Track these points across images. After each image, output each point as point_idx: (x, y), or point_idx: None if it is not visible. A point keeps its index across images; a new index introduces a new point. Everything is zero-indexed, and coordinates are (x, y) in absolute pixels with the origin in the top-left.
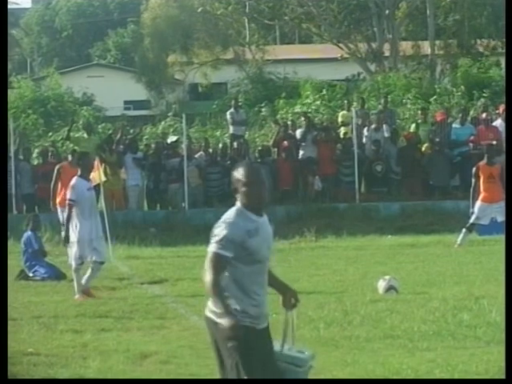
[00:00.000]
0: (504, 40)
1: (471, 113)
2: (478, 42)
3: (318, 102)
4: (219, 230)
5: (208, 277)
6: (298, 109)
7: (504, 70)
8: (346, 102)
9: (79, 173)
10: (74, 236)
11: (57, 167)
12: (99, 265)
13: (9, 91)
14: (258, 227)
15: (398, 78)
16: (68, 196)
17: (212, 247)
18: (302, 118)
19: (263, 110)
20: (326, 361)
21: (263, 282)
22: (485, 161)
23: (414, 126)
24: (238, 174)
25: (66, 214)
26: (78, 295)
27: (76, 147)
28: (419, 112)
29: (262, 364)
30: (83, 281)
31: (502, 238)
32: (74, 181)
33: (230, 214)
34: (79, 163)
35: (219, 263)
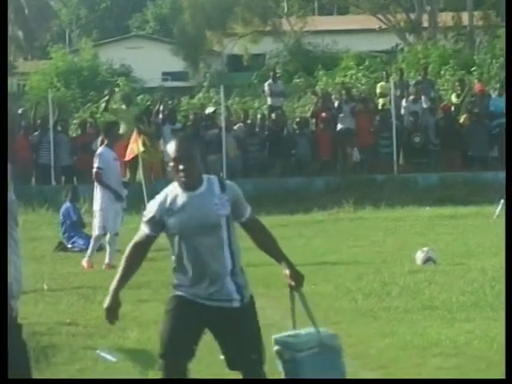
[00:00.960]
0: None
1: None
2: None
3: (357, 73)
4: (148, 206)
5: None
6: (336, 80)
7: None
8: (384, 73)
9: (106, 142)
10: (97, 205)
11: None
12: (114, 237)
13: (44, 62)
14: (186, 204)
15: (436, 48)
16: (96, 164)
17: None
18: (341, 89)
19: (301, 81)
20: (365, 332)
21: (196, 258)
22: None
23: (454, 96)
24: (168, 149)
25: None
26: (86, 261)
27: (114, 118)
28: (458, 83)
29: (190, 338)
30: (109, 257)
31: None
32: (100, 149)
33: (163, 189)
34: (106, 133)
35: (137, 237)
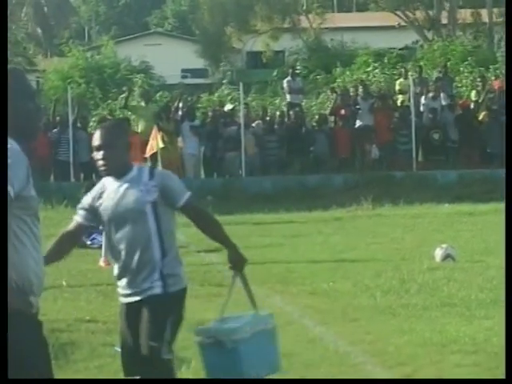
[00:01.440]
0: None
1: None
2: None
3: (376, 70)
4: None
5: None
6: (355, 77)
7: None
8: (403, 69)
9: None
10: None
11: None
12: None
13: (63, 59)
14: (112, 191)
15: (455, 45)
16: None
17: None
18: (360, 86)
19: (320, 78)
20: (384, 329)
21: (122, 248)
22: None
23: (474, 93)
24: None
25: None
26: (103, 260)
27: (134, 115)
28: (478, 80)
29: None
30: None
31: None
32: None
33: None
34: None
35: (70, 225)
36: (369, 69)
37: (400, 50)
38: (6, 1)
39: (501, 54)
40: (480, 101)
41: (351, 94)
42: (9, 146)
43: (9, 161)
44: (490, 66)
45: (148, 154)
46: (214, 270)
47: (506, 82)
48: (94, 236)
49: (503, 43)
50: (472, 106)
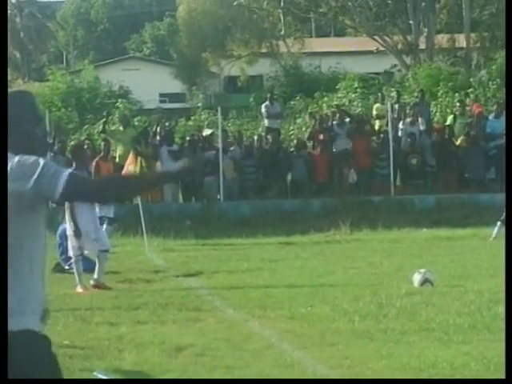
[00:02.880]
0: None
1: None
2: None
3: (353, 95)
4: None
5: None
6: (332, 102)
7: None
8: (379, 94)
9: (74, 166)
10: (70, 228)
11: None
12: (105, 253)
13: (43, 84)
14: None
15: (432, 70)
16: None
17: None
18: (336, 112)
19: (298, 102)
20: (362, 353)
21: None
22: None
23: (451, 118)
24: None
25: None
26: (80, 287)
27: (112, 140)
28: (457, 104)
29: None
30: (95, 275)
31: None
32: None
33: None
34: (74, 156)
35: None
36: (346, 93)
37: (378, 74)
38: (6, 1)
39: (478, 78)
40: (457, 126)
41: (329, 118)
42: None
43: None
44: (468, 91)
45: None
46: (193, 295)
47: (506, 82)
48: (71, 261)
49: (481, 67)
50: (448, 131)
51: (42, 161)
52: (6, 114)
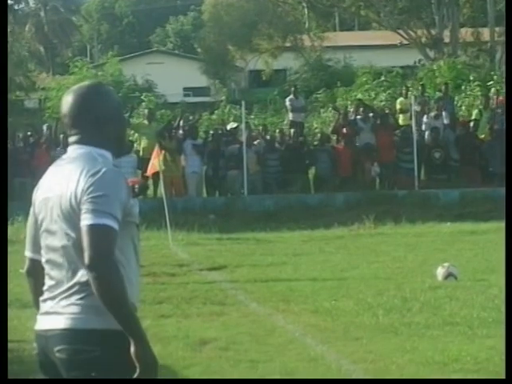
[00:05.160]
0: None
1: None
2: None
3: (377, 89)
4: None
5: None
6: (356, 96)
7: None
8: (403, 88)
9: None
10: None
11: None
12: None
13: (68, 77)
14: None
15: (456, 64)
16: None
17: None
18: (359, 105)
19: (321, 96)
20: (386, 348)
21: None
22: None
23: (476, 112)
24: None
25: None
26: None
27: (136, 133)
28: (481, 98)
29: None
30: None
31: None
32: None
33: None
34: None
35: None
36: (370, 87)
37: (401, 68)
38: (6, 1)
39: (502, 72)
40: (482, 119)
41: (352, 113)
42: (103, 169)
43: (106, 191)
44: (489, 84)
45: (150, 172)
46: (217, 289)
47: (506, 82)
48: None
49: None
50: (472, 124)
51: None
52: (6, 114)
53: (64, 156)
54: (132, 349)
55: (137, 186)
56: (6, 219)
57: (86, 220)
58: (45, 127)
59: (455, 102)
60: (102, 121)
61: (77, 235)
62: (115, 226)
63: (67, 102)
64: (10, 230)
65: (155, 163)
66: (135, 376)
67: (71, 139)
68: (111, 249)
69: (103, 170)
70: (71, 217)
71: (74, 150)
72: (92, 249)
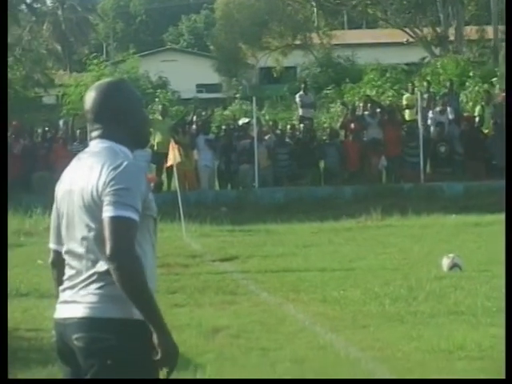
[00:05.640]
0: None
1: None
2: None
3: (384, 85)
4: None
5: None
6: (364, 92)
7: None
8: (409, 85)
9: None
10: None
11: None
12: None
13: (85, 74)
14: None
15: (461, 61)
16: None
17: None
18: (367, 101)
19: (330, 92)
20: (392, 336)
21: None
22: None
23: (479, 108)
24: None
25: None
26: None
27: (151, 129)
28: (484, 94)
29: None
30: None
31: None
32: None
33: None
34: None
35: None
36: (377, 84)
37: (407, 65)
38: (6, 1)
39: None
40: (485, 115)
41: (360, 109)
42: (124, 162)
43: (127, 184)
44: (492, 80)
45: (168, 164)
46: (228, 279)
47: (506, 81)
48: None
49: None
50: (477, 120)
51: None
52: (6, 114)
53: (86, 150)
54: (154, 337)
55: (152, 184)
56: (7, 218)
57: (108, 212)
58: (61, 123)
59: (460, 98)
60: (122, 116)
61: (97, 227)
62: (136, 218)
63: (90, 98)
64: (29, 222)
65: (171, 157)
66: (156, 364)
67: (93, 134)
68: (132, 240)
69: (124, 163)
70: (92, 209)
71: (96, 144)
72: (113, 240)
